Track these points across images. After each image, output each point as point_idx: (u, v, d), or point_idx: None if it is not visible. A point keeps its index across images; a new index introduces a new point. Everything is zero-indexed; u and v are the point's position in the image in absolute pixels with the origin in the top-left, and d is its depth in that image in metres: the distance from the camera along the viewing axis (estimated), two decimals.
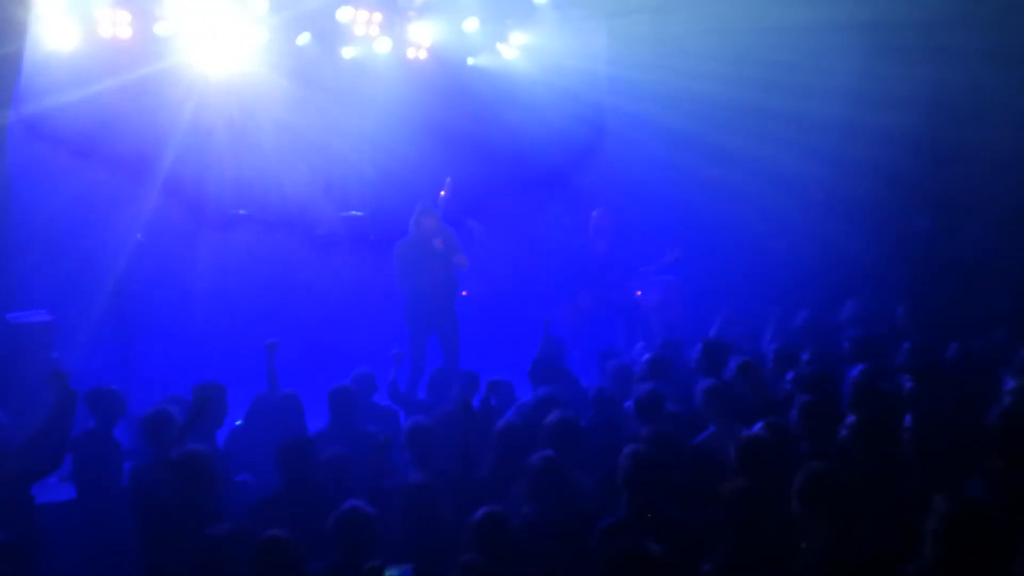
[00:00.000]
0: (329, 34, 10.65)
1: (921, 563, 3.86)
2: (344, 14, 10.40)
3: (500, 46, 11.74)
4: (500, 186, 11.59)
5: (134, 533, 5.40)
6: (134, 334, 8.87)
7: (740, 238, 10.45)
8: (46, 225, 8.99)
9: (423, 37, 11.09)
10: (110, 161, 9.65)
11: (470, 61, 11.91)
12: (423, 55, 11.27)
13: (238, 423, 7.03)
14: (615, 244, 10.17)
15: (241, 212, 10.45)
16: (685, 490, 4.98)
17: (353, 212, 10.95)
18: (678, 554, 4.14)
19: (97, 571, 5.71)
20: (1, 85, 7.48)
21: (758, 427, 5.22)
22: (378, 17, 10.62)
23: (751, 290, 9.57)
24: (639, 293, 10.20)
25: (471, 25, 11.14)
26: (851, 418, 5.10)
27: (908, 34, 9.40)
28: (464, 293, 10.40)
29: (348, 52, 10.95)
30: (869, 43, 9.78)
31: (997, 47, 9.08)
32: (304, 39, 10.53)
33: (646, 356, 7.17)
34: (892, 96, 9.70)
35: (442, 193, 8.89)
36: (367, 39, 10.80)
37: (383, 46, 10.95)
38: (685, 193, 11.05)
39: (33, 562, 4.93)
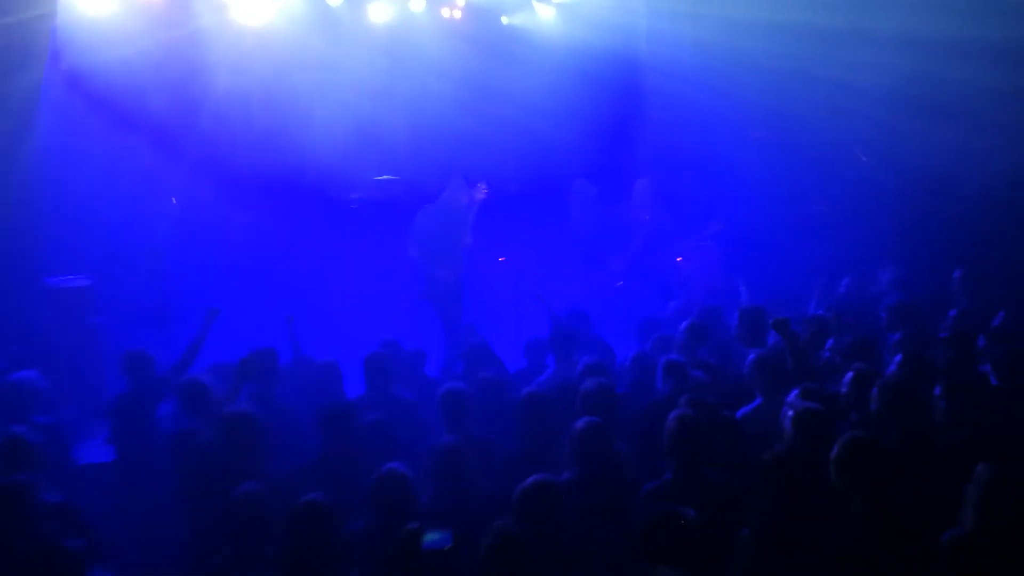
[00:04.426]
0: None
1: (961, 530, 3.86)
2: None
3: (536, 4, 11.55)
4: (537, 150, 11.37)
5: (173, 492, 5.49)
6: (172, 299, 8.91)
7: (785, 201, 10.14)
8: (84, 191, 9.02)
9: None
10: (145, 126, 9.62)
11: (504, 20, 11.76)
12: (457, 15, 11.15)
13: None
14: (659, 213, 9.96)
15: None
16: (731, 459, 4.90)
17: (387, 176, 10.87)
18: (719, 519, 4.14)
19: (138, 528, 5.78)
20: (33, 47, 7.45)
21: (794, 393, 5.16)
22: None
23: (795, 255, 9.31)
24: (679, 259, 10.06)
25: None
26: (876, 388, 5.00)
27: None
28: (502, 259, 10.29)
29: (382, 12, 10.85)
30: None
31: None
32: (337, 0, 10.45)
33: (685, 322, 7.03)
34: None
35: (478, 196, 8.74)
36: None
37: (417, 5, 10.85)
38: (729, 154, 10.75)
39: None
